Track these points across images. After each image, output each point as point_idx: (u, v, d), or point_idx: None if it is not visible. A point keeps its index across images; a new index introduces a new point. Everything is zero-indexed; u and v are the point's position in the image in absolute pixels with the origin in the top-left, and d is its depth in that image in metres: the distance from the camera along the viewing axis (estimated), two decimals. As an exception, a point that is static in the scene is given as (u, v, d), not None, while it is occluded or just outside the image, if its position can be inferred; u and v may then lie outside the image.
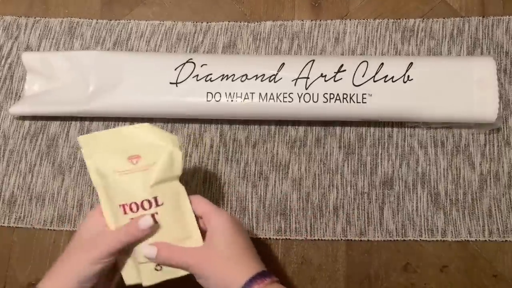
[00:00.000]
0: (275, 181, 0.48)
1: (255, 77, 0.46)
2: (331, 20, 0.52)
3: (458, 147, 0.48)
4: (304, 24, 0.52)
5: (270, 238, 0.47)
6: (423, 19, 0.51)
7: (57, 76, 0.49)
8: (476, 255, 0.46)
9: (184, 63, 0.47)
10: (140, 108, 0.47)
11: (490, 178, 0.47)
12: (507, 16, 0.51)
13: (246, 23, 0.52)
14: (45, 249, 0.47)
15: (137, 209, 0.35)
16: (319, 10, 0.53)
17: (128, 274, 0.36)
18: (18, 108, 0.49)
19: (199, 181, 0.48)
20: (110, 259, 0.34)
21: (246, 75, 0.46)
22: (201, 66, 0.47)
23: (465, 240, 0.46)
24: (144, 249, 0.35)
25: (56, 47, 0.53)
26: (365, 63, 0.46)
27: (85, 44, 0.53)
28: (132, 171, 0.35)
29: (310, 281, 0.45)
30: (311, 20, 0.52)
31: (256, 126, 0.49)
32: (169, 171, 0.36)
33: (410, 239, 0.46)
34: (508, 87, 0.49)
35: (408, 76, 0.46)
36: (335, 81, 0.46)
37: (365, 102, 0.45)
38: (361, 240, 0.46)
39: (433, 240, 0.46)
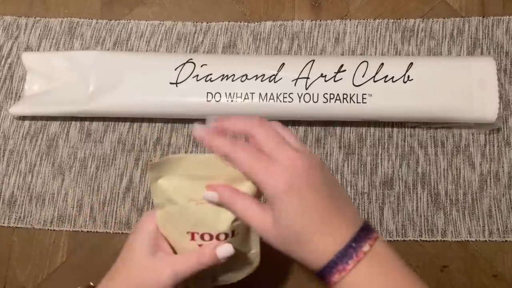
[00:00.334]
0: (275, 181, 0.48)
1: (255, 77, 0.46)
2: (331, 20, 0.52)
3: (458, 147, 0.48)
4: (304, 24, 0.52)
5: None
6: (423, 19, 0.51)
7: (57, 76, 0.49)
8: (476, 255, 0.46)
9: (184, 63, 0.47)
10: (140, 108, 0.47)
11: (490, 178, 0.47)
12: (507, 16, 0.51)
13: (246, 23, 0.52)
14: (45, 249, 0.47)
15: (210, 239, 0.32)
16: (319, 10, 0.53)
17: None
18: (18, 108, 0.49)
19: (199, 181, 0.48)
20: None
21: (246, 75, 0.46)
22: (201, 66, 0.47)
23: (465, 240, 0.46)
24: (205, 194, 0.31)
25: (56, 47, 0.53)
26: (365, 63, 0.46)
27: (85, 44, 0.53)
28: None
29: (310, 281, 0.45)
30: (311, 20, 0.52)
31: (256, 126, 0.49)
32: None
33: (410, 239, 0.46)
34: (508, 87, 0.49)
35: (408, 76, 0.46)
36: (335, 81, 0.46)
37: (365, 102, 0.45)
38: (361, 240, 0.46)
39: (433, 240, 0.46)
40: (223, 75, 0.46)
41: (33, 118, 0.50)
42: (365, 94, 0.45)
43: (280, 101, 0.46)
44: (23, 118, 0.50)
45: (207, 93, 0.46)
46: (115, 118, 0.50)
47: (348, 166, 0.48)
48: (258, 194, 0.31)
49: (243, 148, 0.28)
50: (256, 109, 0.46)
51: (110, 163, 0.49)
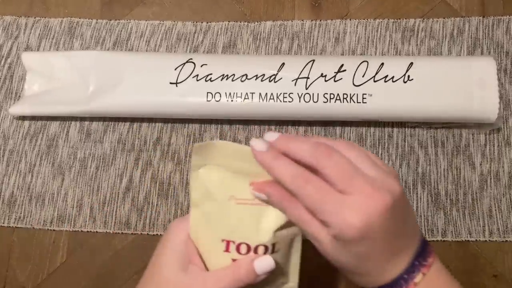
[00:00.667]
0: (275, 181, 0.48)
1: (255, 77, 0.46)
2: (331, 20, 0.52)
3: (459, 147, 0.48)
4: (304, 24, 0.52)
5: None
6: (423, 19, 0.51)
7: (57, 76, 0.49)
8: (476, 255, 0.45)
9: (184, 63, 0.47)
10: (140, 108, 0.47)
11: (491, 178, 0.47)
12: (507, 16, 0.51)
13: (246, 23, 0.52)
14: (45, 249, 0.47)
15: (247, 251, 0.27)
16: (319, 10, 0.53)
17: None
18: (17, 108, 0.49)
19: (199, 181, 0.48)
20: None
21: (246, 75, 0.46)
22: (201, 66, 0.47)
23: (465, 240, 0.46)
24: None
25: (56, 47, 0.53)
26: (365, 63, 0.46)
27: (85, 44, 0.53)
28: (252, 203, 0.28)
29: (308, 279, 0.45)
30: (311, 20, 0.52)
31: (256, 126, 0.49)
32: None
33: (410, 239, 0.46)
34: (509, 87, 0.49)
35: (409, 76, 0.46)
36: (335, 81, 0.46)
37: (365, 102, 0.45)
38: (361, 240, 0.46)
39: (433, 240, 0.46)
40: (223, 75, 0.46)
41: (33, 118, 0.50)
42: (365, 94, 0.45)
43: (280, 101, 0.46)
44: (23, 118, 0.50)
45: (207, 93, 0.46)
46: (115, 118, 0.50)
47: (348, 166, 0.48)
48: None
49: (313, 180, 0.25)
50: (256, 109, 0.46)
51: (110, 163, 0.49)
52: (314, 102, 0.45)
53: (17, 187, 0.49)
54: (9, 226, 0.48)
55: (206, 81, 0.46)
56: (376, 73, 0.46)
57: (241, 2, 0.54)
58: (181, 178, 0.48)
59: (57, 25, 0.53)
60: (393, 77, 0.46)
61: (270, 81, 0.46)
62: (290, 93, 0.46)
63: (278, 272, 0.29)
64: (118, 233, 0.47)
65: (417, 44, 0.51)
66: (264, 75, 0.46)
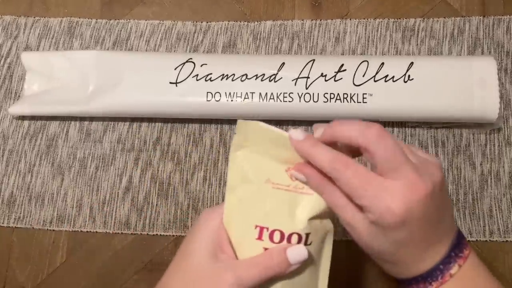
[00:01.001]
0: (275, 181, 0.48)
1: (255, 77, 0.46)
2: (332, 19, 0.52)
3: (459, 147, 0.48)
4: (304, 24, 0.52)
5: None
6: (424, 18, 0.51)
7: (57, 76, 0.49)
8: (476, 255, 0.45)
9: (184, 63, 0.47)
10: (140, 108, 0.47)
11: (491, 178, 0.47)
12: (508, 16, 0.51)
13: (246, 23, 0.52)
14: (44, 249, 0.47)
15: (280, 239, 0.27)
16: (319, 10, 0.53)
17: None
18: (17, 108, 0.49)
19: (199, 181, 0.48)
20: None
21: (246, 74, 0.46)
22: (201, 65, 0.47)
23: (465, 240, 0.46)
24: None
25: (55, 46, 0.53)
26: (366, 62, 0.46)
27: (84, 43, 0.53)
28: (288, 189, 0.27)
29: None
30: (311, 20, 0.52)
31: (256, 126, 0.49)
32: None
33: (410, 239, 0.46)
34: (509, 87, 0.49)
35: (409, 76, 0.45)
36: (335, 81, 0.46)
37: (366, 102, 0.45)
38: (361, 240, 0.46)
39: (433, 240, 0.46)
40: (223, 74, 0.46)
41: (33, 118, 0.50)
42: (366, 93, 0.45)
43: (280, 101, 0.46)
44: (22, 118, 0.50)
45: (207, 92, 0.46)
46: (115, 118, 0.50)
47: (348, 166, 0.48)
48: None
49: (352, 164, 0.25)
50: (256, 109, 0.46)
51: (109, 163, 0.49)
52: (314, 102, 0.45)
53: (17, 187, 0.49)
54: (9, 226, 0.48)
55: (206, 81, 0.46)
56: (377, 73, 0.46)
57: (241, 2, 0.53)
58: (181, 178, 0.48)
59: (57, 24, 0.53)
60: (393, 77, 0.45)
61: (270, 81, 0.46)
62: (290, 93, 0.46)
63: (309, 272, 0.28)
64: (118, 233, 0.47)
65: (417, 44, 0.51)
66: (264, 74, 0.46)
